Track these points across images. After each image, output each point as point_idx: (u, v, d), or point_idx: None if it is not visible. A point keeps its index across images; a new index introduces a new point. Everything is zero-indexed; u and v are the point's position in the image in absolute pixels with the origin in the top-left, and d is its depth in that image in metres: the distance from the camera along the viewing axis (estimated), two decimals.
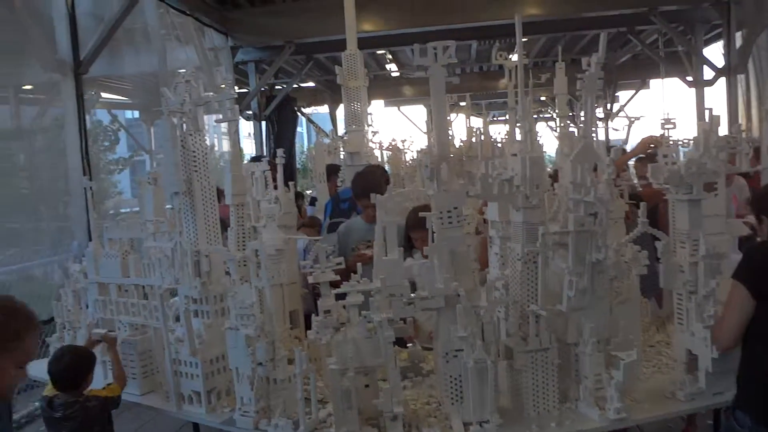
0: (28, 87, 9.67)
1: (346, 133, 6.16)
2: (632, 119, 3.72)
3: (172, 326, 3.27)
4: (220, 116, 3.61)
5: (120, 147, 14.22)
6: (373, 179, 4.58)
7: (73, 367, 3.05)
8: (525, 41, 14.13)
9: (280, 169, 3.89)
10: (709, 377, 2.73)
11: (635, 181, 5.21)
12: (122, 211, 12.27)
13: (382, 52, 14.92)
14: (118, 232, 3.62)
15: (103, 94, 11.60)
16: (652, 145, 4.35)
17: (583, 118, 2.84)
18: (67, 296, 4.06)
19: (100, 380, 3.32)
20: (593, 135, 3.26)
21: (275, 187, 3.91)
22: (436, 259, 2.51)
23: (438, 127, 2.57)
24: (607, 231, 2.74)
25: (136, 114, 16.78)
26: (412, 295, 2.53)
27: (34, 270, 8.38)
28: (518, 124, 3.04)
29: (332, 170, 6.69)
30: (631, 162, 5.64)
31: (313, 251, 2.77)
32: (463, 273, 2.59)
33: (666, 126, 4.05)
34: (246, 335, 2.76)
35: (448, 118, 7.32)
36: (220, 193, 3.89)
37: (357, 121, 5.77)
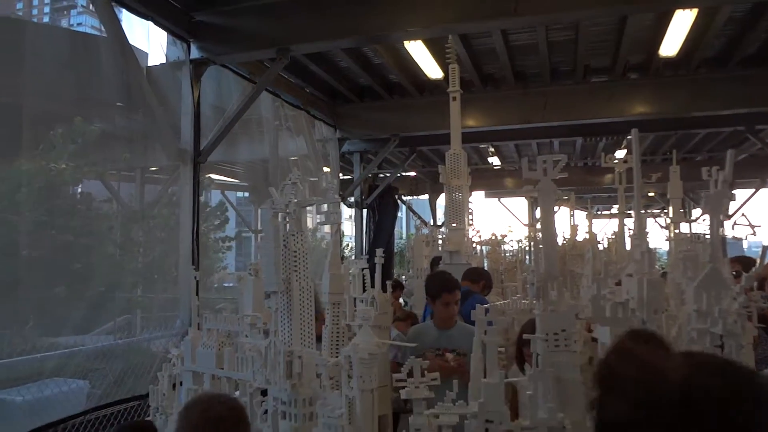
0: (153, 169, 10.55)
1: (443, 224, 6.13)
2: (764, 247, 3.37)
3: (260, 425, 3.22)
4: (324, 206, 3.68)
5: (228, 223, 15.06)
6: (450, 277, 4.46)
7: None
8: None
9: (378, 269, 3.85)
10: None
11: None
12: (225, 285, 12.79)
13: (485, 145, 15.05)
14: (215, 323, 3.68)
15: (216, 176, 12.44)
16: None
17: (695, 217, 2.64)
18: (164, 380, 4.14)
19: None
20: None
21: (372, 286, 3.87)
22: (541, 386, 2.31)
23: (547, 243, 2.44)
24: None
25: (246, 194, 17.82)
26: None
27: (141, 342, 8.79)
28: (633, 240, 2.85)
29: (437, 262, 6.60)
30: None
31: (407, 363, 2.65)
32: (570, 402, 2.36)
33: None
34: None
35: None
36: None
37: (458, 218, 5.71)
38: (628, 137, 13.08)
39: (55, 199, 8.44)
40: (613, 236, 6.76)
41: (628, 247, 5.14)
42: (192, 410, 2.24)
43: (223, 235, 13.72)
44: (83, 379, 6.35)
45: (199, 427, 2.14)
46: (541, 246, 2.49)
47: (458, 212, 5.70)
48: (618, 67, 9.60)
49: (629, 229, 5.51)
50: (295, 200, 3.06)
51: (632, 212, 5.82)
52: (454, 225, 5.71)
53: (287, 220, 3.14)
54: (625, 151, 13.06)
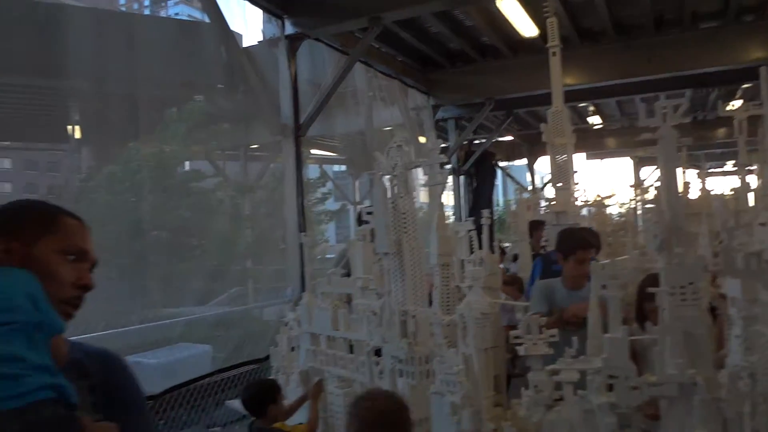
0: (254, 146, 11.00)
1: (544, 186, 5.98)
2: None
3: (378, 383, 3.33)
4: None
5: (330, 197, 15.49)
6: (585, 234, 4.23)
7: (257, 395, 3.45)
8: (749, 86, 12.71)
9: (485, 230, 3.84)
10: None
11: None
12: (327, 257, 13.22)
13: (585, 104, 14.43)
14: (329, 287, 3.82)
15: (315, 151, 12.76)
16: None
17: None
18: (283, 343, 4.38)
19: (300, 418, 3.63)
20: None
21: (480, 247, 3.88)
22: (669, 341, 2.23)
23: (669, 191, 2.33)
24: None
25: (343, 167, 18.17)
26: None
27: (253, 310, 9.34)
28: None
29: (535, 226, 6.43)
30: None
31: (524, 321, 2.64)
32: (699, 358, 2.27)
33: None
34: (452, 402, 2.70)
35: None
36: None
37: (563, 178, 5.54)
38: (744, 86, 12.10)
39: (169, 179, 9.03)
40: (732, 192, 6.35)
41: (750, 202, 4.81)
42: (359, 404, 2.37)
43: (324, 209, 14.12)
44: (207, 344, 6.86)
45: (366, 419, 2.27)
46: (652, 205, 2.38)
47: (563, 172, 5.52)
48: (730, 10, 8.85)
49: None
50: (401, 162, 3.09)
51: (755, 166, 5.42)
52: (559, 185, 5.55)
53: (394, 182, 3.18)
54: (741, 101, 12.09)
